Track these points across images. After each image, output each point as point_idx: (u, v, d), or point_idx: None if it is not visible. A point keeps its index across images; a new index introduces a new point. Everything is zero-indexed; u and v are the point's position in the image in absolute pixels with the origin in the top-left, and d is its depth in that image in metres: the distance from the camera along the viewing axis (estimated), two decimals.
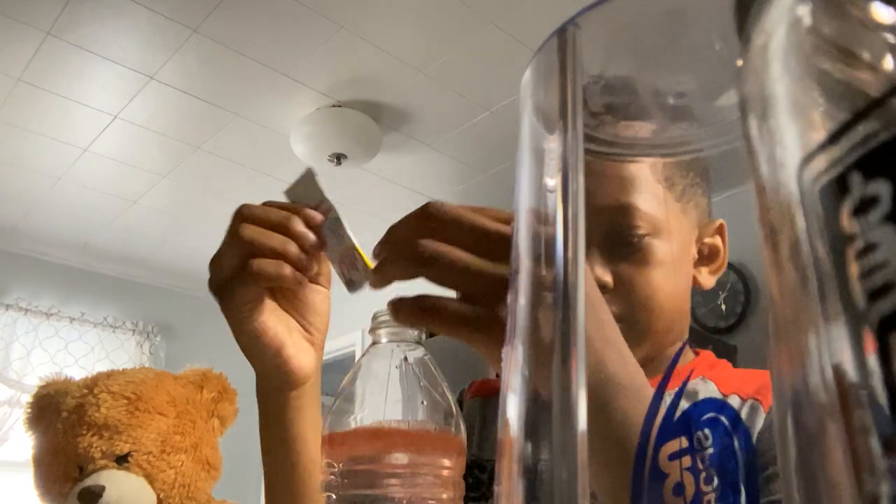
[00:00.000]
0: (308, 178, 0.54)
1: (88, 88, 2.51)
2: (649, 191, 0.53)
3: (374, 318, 0.48)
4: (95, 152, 2.90)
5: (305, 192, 0.54)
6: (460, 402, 0.77)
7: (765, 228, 0.16)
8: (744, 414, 0.47)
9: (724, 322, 2.78)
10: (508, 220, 0.39)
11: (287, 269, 0.50)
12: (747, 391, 0.50)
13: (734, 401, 0.49)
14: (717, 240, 0.59)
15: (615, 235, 0.54)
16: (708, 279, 0.58)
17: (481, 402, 0.75)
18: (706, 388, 0.50)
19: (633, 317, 0.54)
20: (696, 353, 0.60)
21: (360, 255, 0.52)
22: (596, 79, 0.28)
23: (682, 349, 0.58)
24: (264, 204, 0.52)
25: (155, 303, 4.16)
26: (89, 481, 0.70)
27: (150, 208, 3.36)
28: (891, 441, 0.12)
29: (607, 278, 0.54)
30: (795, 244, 0.15)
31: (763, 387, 0.50)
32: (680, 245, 0.56)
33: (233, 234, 0.50)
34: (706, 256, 0.58)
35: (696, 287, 0.58)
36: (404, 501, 0.41)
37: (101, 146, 2.85)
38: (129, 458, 0.72)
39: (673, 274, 0.55)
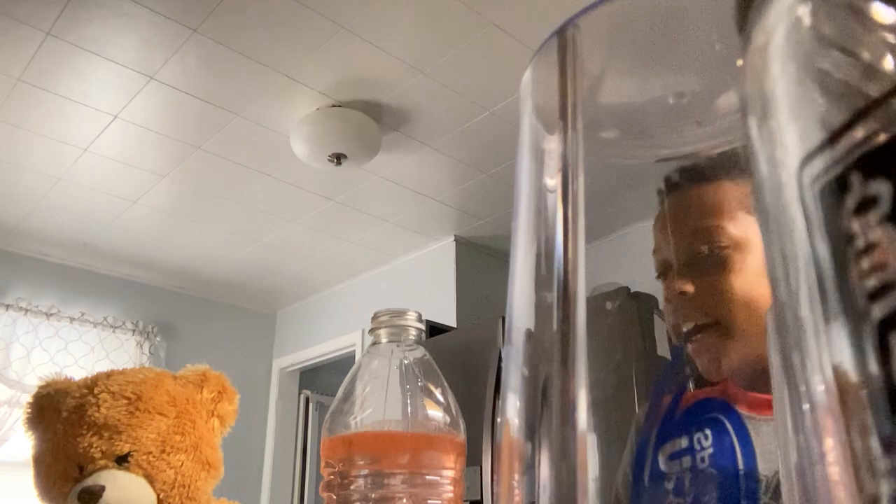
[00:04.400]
0: None
1: (88, 88, 2.51)
2: (732, 214, 0.57)
3: (374, 318, 0.48)
4: (95, 152, 2.90)
5: None
6: None
7: (765, 228, 0.16)
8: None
9: None
10: None
11: None
12: None
13: None
14: None
15: (698, 253, 0.57)
16: None
17: None
18: None
19: (717, 318, 0.57)
20: None
21: None
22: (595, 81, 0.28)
23: None
24: None
25: (155, 303, 4.16)
26: (89, 481, 0.70)
27: (150, 208, 3.36)
28: (891, 441, 0.12)
29: (687, 287, 0.56)
30: (795, 244, 0.15)
31: None
32: (758, 258, 0.59)
33: None
34: None
35: None
36: (405, 501, 0.41)
37: (101, 146, 2.85)
38: (129, 458, 0.72)
39: (752, 282, 0.58)
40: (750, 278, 0.59)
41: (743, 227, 0.58)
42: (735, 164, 0.32)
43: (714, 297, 0.56)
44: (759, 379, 0.51)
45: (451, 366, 2.65)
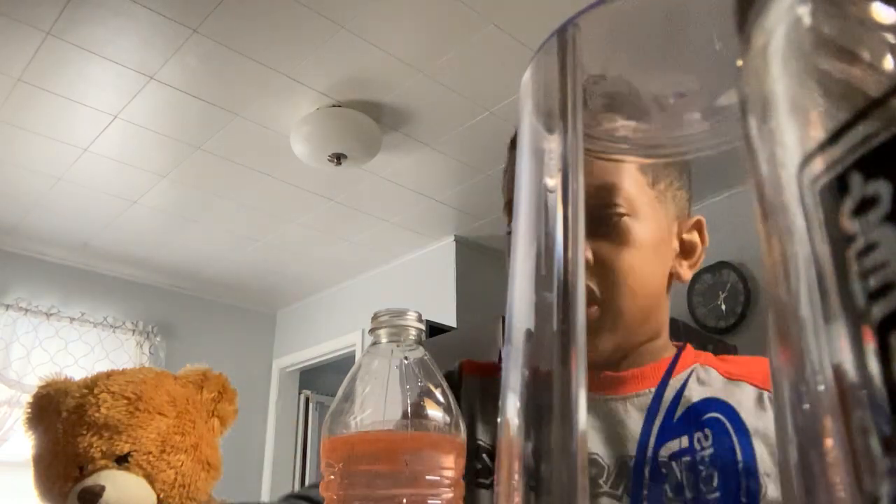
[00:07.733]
0: None
1: (88, 88, 2.51)
2: (631, 176, 0.56)
3: (374, 318, 0.48)
4: (95, 152, 2.89)
5: None
6: (458, 379, 0.76)
7: (765, 228, 0.16)
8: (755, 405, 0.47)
9: (724, 322, 2.78)
10: None
11: None
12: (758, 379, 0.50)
13: (745, 388, 0.49)
14: (695, 235, 0.61)
15: (597, 213, 0.55)
16: (687, 272, 0.60)
17: (480, 382, 0.74)
18: (708, 376, 0.51)
19: (608, 296, 0.55)
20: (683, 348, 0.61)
21: None
22: (597, 78, 0.28)
23: (681, 350, 0.58)
24: None
25: (155, 303, 4.16)
26: (89, 481, 0.70)
27: (150, 208, 3.36)
28: (891, 441, 0.12)
29: (587, 254, 0.55)
30: (795, 244, 0.15)
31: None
32: (657, 231, 0.58)
33: None
34: (685, 250, 0.60)
35: (678, 281, 0.59)
36: (405, 501, 0.41)
37: (101, 146, 2.85)
38: (129, 458, 0.72)
39: (650, 257, 0.57)
40: (645, 255, 0.58)
41: (638, 190, 0.56)
42: (735, 164, 0.32)
43: (607, 274, 0.54)
44: (616, 361, 0.50)
45: (451, 365, 2.64)
